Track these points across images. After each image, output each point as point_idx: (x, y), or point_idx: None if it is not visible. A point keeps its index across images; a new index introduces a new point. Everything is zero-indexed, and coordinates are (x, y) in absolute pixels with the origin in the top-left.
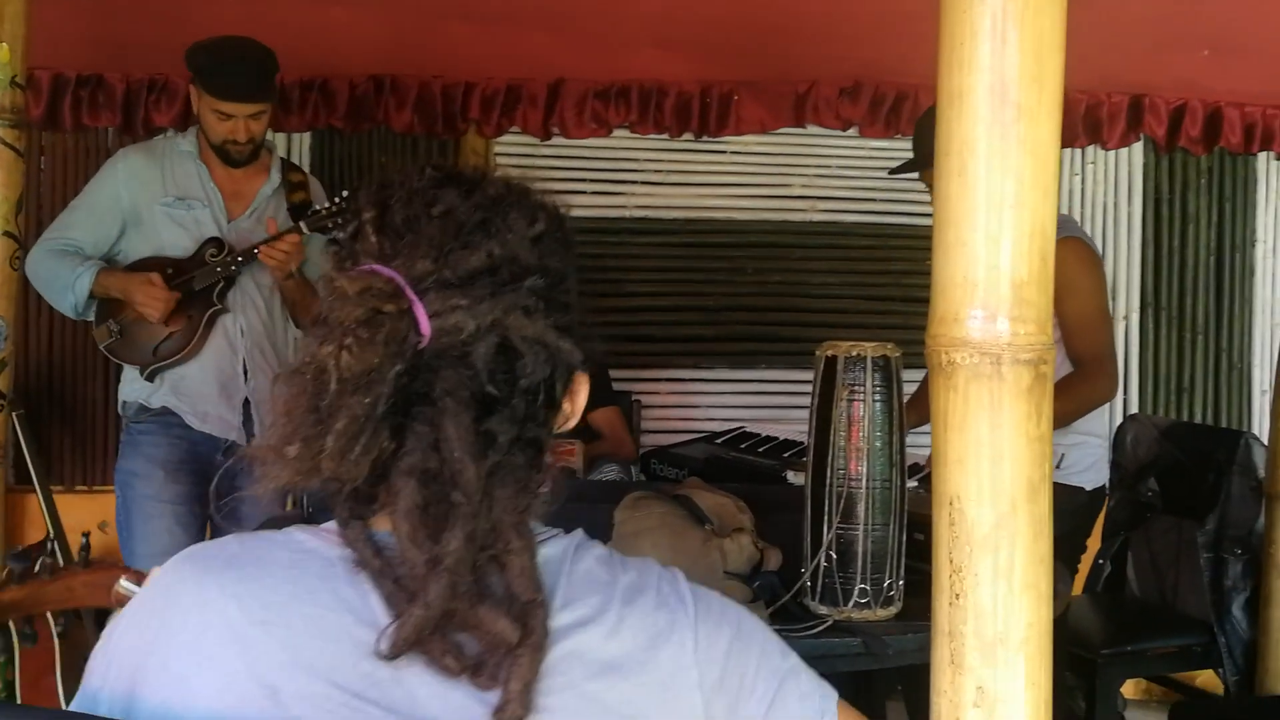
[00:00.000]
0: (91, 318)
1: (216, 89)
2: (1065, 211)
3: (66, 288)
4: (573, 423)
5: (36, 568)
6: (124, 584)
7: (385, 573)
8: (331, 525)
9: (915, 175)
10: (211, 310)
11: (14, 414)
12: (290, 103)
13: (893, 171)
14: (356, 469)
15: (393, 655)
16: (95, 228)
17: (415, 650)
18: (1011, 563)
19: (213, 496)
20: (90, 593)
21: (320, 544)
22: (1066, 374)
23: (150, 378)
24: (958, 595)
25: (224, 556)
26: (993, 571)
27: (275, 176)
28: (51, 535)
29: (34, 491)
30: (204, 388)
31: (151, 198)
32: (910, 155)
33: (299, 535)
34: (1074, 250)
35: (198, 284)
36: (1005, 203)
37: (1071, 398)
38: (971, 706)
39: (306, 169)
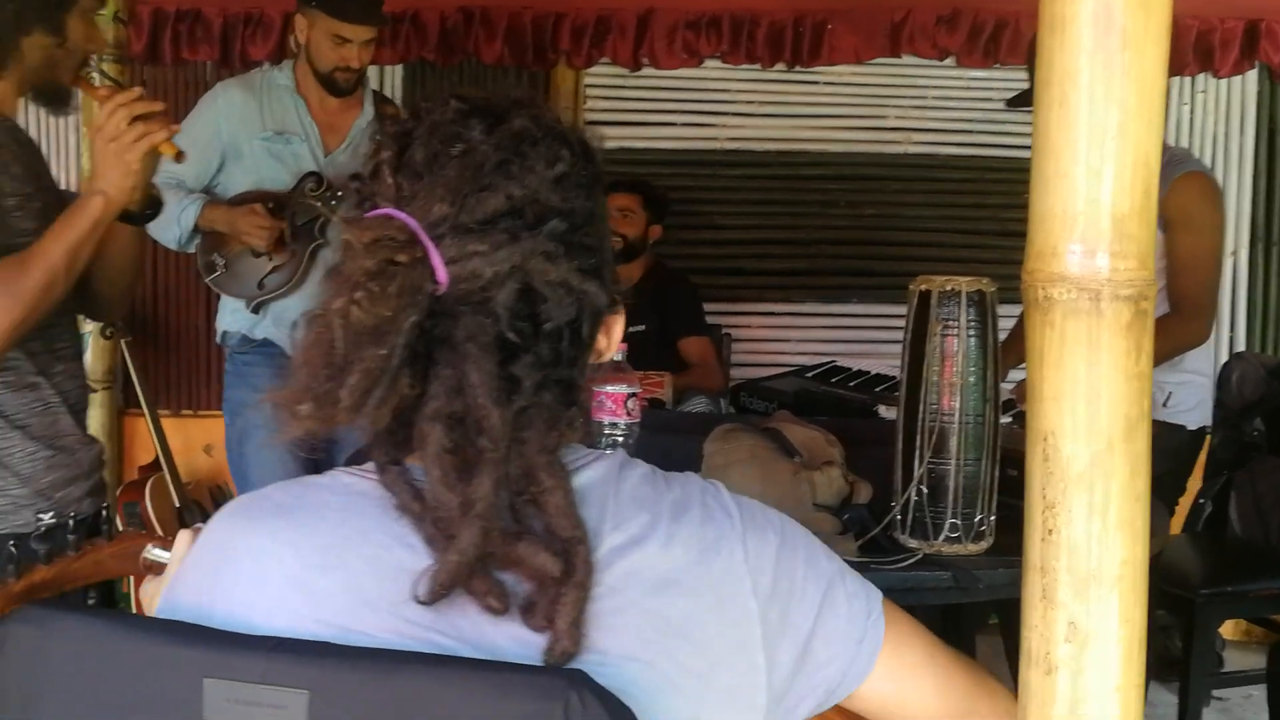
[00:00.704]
0: (193, 250)
1: (340, 10)
2: (1172, 143)
3: (172, 220)
4: (608, 357)
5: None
6: (152, 551)
7: (424, 515)
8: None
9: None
10: (315, 244)
11: (122, 341)
12: (382, 35)
13: (1010, 103)
14: (377, 416)
15: (431, 600)
16: (195, 161)
17: (458, 591)
18: (1107, 500)
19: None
20: (120, 564)
21: (369, 485)
22: (1163, 315)
23: (255, 310)
24: (1050, 531)
25: (270, 505)
26: (1087, 508)
27: (369, 109)
28: (160, 456)
29: (142, 415)
30: None
31: (250, 132)
32: (1019, 85)
33: (345, 478)
34: (1200, 185)
35: (300, 218)
36: (1108, 134)
37: (1166, 339)
38: (1063, 642)
39: (399, 102)
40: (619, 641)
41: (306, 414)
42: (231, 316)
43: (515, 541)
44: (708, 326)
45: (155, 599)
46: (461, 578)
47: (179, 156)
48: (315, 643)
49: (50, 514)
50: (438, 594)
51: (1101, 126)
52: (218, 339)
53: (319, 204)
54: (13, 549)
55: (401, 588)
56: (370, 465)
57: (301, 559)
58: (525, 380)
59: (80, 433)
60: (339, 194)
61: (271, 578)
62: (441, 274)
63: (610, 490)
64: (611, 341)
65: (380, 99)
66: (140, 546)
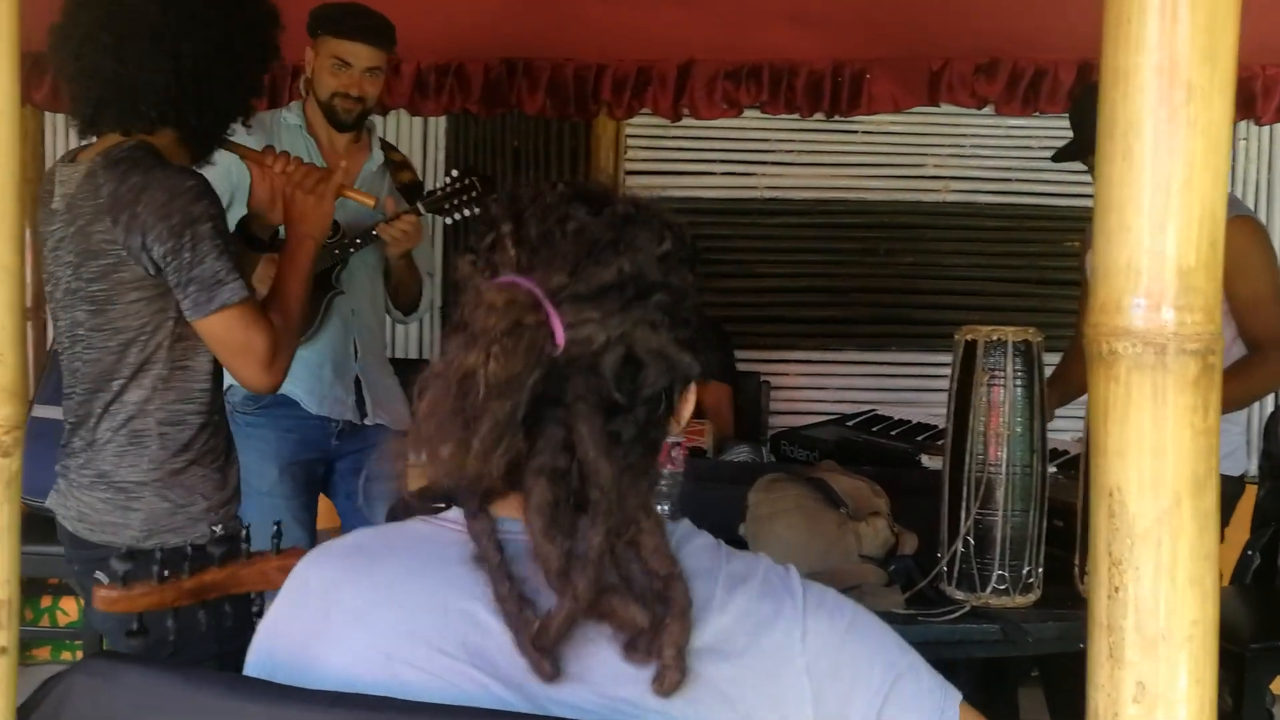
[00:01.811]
0: None
1: (340, 28)
2: None
3: None
4: (680, 426)
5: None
6: None
7: (501, 569)
8: (449, 515)
9: (1074, 160)
10: (332, 294)
11: None
12: (426, 87)
13: (1055, 157)
14: (495, 469)
15: (546, 647)
16: None
17: (502, 632)
18: (1175, 557)
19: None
20: (282, 577)
21: (434, 531)
22: (1244, 356)
23: None
24: (1117, 589)
25: (350, 547)
26: (1155, 566)
27: (378, 154)
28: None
29: None
30: (321, 370)
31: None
32: (1057, 133)
33: (418, 525)
34: (1245, 229)
35: (316, 266)
36: (1173, 186)
37: (1252, 379)
38: (1131, 703)
39: (442, 152)
40: (647, 691)
41: (447, 457)
42: None
43: (610, 595)
44: (731, 375)
45: None
46: (574, 624)
47: (376, 204)
48: (372, 697)
49: (220, 526)
50: (553, 640)
51: (1165, 179)
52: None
53: (336, 251)
54: (189, 549)
55: (446, 623)
56: (445, 515)
57: (360, 592)
58: (624, 434)
59: (226, 458)
60: (358, 241)
61: (335, 609)
62: (560, 336)
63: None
64: (686, 410)
65: (387, 146)
66: None
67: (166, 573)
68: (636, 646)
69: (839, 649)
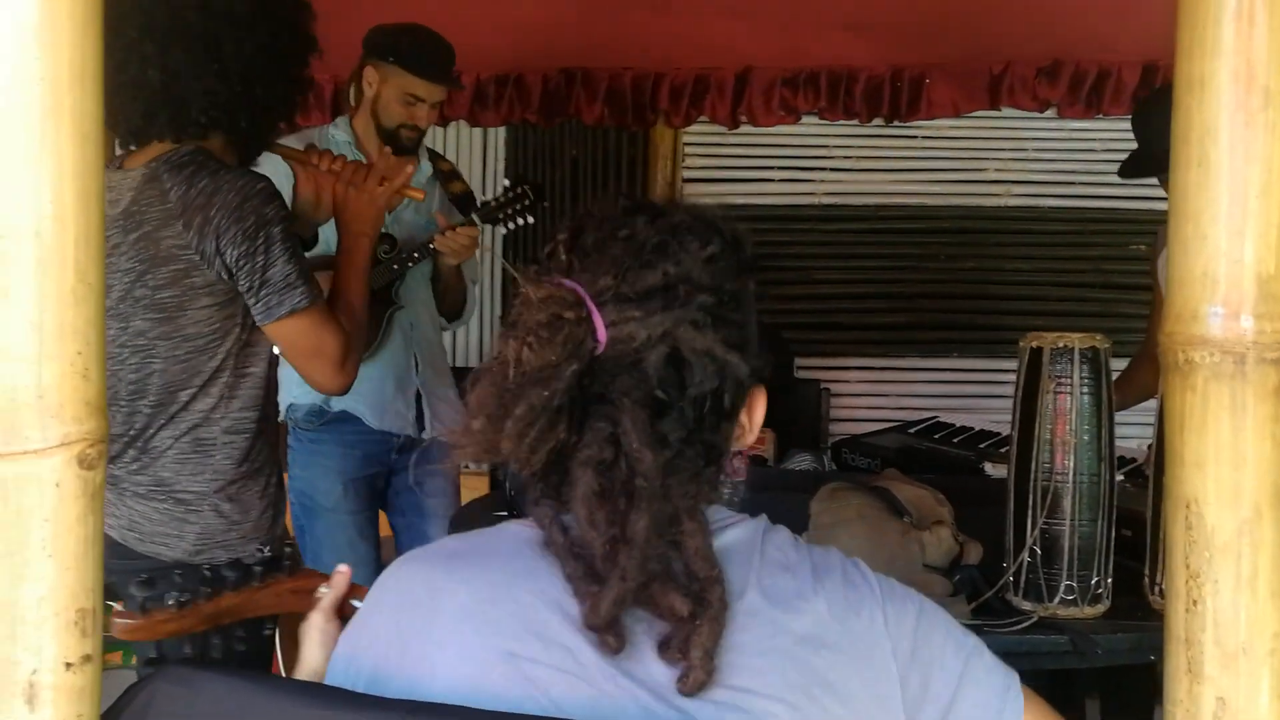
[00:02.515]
0: None
1: (421, 69)
2: None
3: None
4: (751, 437)
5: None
6: (325, 590)
7: (568, 549)
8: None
9: (1144, 177)
10: (392, 309)
11: None
12: (486, 98)
13: (1121, 173)
14: (534, 455)
15: (597, 625)
16: None
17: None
18: (1255, 570)
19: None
20: (297, 599)
21: (533, 533)
22: None
23: None
24: (1195, 602)
25: (446, 552)
26: (1234, 579)
27: (426, 165)
28: None
29: None
30: (383, 385)
31: None
32: (1121, 135)
33: (513, 527)
34: None
35: (376, 282)
36: (1250, 192)
37: None
38: (1211, 718)
39: (502, 162)
40: (765, 681)
41: (478, 429)
42: (301, 388)
43: (650, 583)
44: (785, 383)
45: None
46: (624, 604)
47: (424, 196)
48: (452, 706)
49: (268, 547)
50: (605, 618)
51: (1243, 185)
52: (281, 414)
53: (394, 266)
54: (206, 573)
55: (566, 620)
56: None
57: (474, 593)
58: (671, 435)
59: (277, 476)
60: (415, 255)
61: (445, 613)
62: (601, 334)
63: (755, 550)
64: (754, 421)
65: (434, 155)
66: (316, 585)
67: (185, 597)
68: (669, 645)
69: (914, 632)
